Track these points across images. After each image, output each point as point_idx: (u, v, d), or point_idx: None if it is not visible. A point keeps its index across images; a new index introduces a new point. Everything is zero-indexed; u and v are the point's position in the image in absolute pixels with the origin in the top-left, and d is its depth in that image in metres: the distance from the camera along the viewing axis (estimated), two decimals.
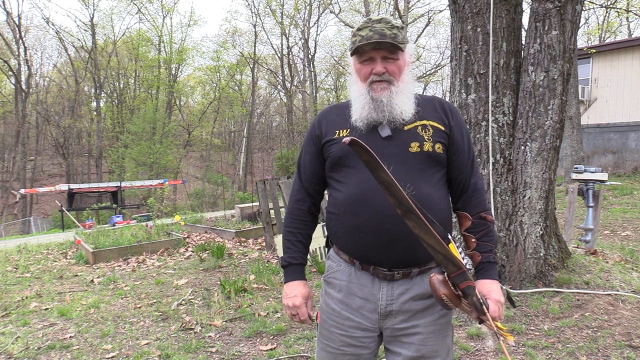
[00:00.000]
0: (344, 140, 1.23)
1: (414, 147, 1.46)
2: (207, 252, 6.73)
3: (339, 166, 1.52)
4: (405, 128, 1.48)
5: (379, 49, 1.45)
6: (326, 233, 1.66)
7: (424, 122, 1.50)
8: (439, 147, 1.48)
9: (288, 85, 34.47)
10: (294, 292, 1.60)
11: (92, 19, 31.99)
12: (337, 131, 1.55)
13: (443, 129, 1.51)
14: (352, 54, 1.51)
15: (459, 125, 1.55)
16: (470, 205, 1.54)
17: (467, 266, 1.35)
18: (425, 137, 1.48)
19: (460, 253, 1.37)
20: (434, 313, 1.49)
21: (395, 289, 1.48)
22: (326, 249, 1.69)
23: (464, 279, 1.30)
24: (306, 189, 1.66)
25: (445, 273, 1.32)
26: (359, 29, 1.49)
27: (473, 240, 1.49)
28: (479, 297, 1.32)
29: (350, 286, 1.52)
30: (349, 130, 1.51)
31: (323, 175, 1.62)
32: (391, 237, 1.42)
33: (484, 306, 1.32)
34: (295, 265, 1.63)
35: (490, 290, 1.43)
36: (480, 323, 1.38)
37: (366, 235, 1.45)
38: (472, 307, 1.33)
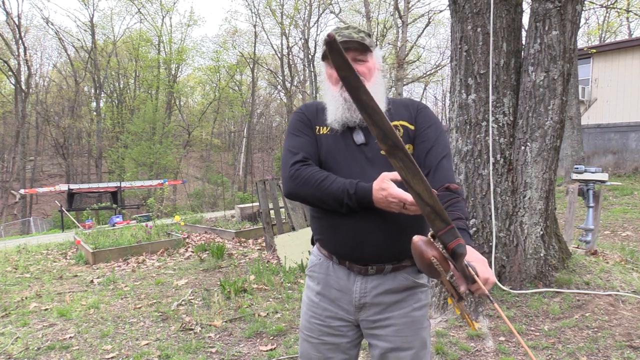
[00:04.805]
0: (328, 34, 1.00)
1: None
2: (207, 252, 6.72)
3: (320, 164, 1.56)
4: None
5: (347, 50, 1.49)
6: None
7: (395, 122, 1.54)
8: (409, 148, 1.52)
9: (288, 85, 34.46)
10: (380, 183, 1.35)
11: (91, 19, 32.00)
12: (318, 127, 1.59)
13: (413, 128, 1.55)
14: (322, 59, 1.58)
15: (424, 119, 1.57)
16: (434, 180, 1.46)
17: None
18: None
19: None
20: (406, 306, 1.54)
21: (369, 282, 1.53)
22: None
23: (454, 237, 1.09)
24: (309, 159, 1.53)
25: (430, 233, 1.11)
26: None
27: None
28: (465, 261, 1.12)
29: (327, 279, 1.59)
30: (328, 128, 1.56)
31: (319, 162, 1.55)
32: (364, 236, 1.47)
33: (469, 268, 1.11)
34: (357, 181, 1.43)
35: (469, 252, 1.20)
36: (459, 300, 1.14)
37: (341, 233, 1.51)
38: (460, 275, 1.12)
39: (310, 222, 1.67)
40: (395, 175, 1.31)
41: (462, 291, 1.13)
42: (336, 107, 1.53)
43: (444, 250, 1.11)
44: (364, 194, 1.38)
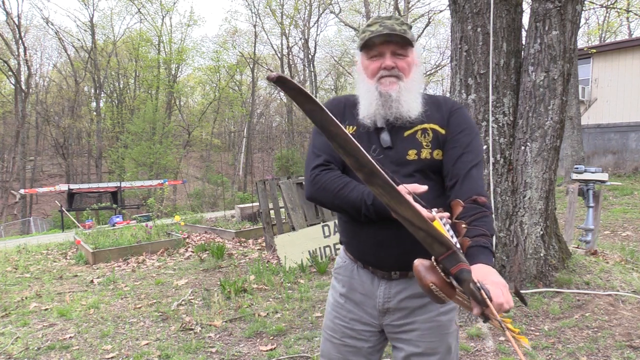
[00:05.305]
0: (268, 75, 0.93)
1: (412, 154, 1.43)
2: (207, 252, 6.72)
3: (343, 165, 1.49)
4: (405, 134, 1.45)
5: (388, 43, 1.42)
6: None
7: (425, 125, 1.45)
8: (437, 154, 1.44)
9: None
10: None
11: (91, 19, 32.00)
12: (345, 125, 1.48)
13: (444, 132, 1.45)
14: (361, 49, 1.47)
15: (457, 121, 1.47)
16: (462, 191, 1.37)
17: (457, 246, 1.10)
18: (424, 144, 1.44)
19: (452, 237, 1.14)
20: (432, 310, 1.49)
21: (393, 287, 1.50)
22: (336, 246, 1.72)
23: (456, 262, 1.02)
24: (331, 162, 1.47)
25: (433, 257, 1.06)
26: (368, 25, 1.46)
27: (463, 225, 1.24)
28: (476, 283, 1.02)
29: (352, 282, 1.57)
30: (355, 127, 1.47)
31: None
32: (384, 244, 1.44)
33: (482, 291, 1.01)
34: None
35: (485, 273, 1.13)
36: (485, 320, 1.07)
37: (362, 240, 1.49)
38: (470, 297, 1.04)
39: (338, 223, 1.65)
40: (414, 187, 1.25)
41: (476, 314, 1.05)
42: (370, 101, 1.44)
43: (447, 276, 1.05)
44: (381, 205, 1.31)
